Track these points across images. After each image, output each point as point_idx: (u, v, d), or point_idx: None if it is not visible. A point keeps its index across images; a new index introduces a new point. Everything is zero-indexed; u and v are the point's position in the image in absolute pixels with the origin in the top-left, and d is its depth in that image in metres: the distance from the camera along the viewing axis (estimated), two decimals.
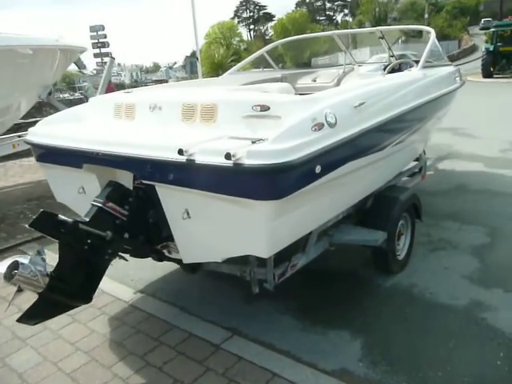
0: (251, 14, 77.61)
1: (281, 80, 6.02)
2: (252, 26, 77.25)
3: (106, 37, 24.38)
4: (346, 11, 64.91)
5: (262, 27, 73.28)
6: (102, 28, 24.40)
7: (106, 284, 3.97)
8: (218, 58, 16.09)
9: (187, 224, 2.66)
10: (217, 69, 16.89)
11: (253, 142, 2.33)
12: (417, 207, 4.07)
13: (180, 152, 2.30)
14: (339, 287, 3.75)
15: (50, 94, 8.18)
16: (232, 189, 2.27)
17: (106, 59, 26.71)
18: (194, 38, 10.91)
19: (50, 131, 3.30)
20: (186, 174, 2.38)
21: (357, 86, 3.11)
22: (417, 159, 5.51)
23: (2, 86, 6.76)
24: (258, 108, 2.61)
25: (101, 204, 2.76)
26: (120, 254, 3.00)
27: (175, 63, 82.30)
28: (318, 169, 2.40)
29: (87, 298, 2.82)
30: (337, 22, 62.53)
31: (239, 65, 5.59)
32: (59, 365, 2.99)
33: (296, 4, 66.45)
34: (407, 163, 4.57)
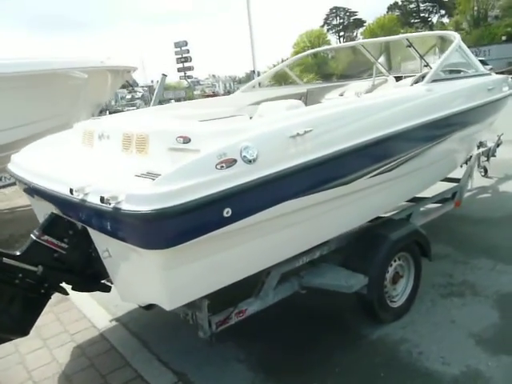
0: (341, 20, 76.32)
1: (306, 95, 5.65)
2: (342, 33, 75.95)
3: (188, 51, 25.60)
4: (443, 12, 60.93)
5: (351, 34, 71.62)
6: (185, 43, 25.66)
7: (89, 309, 4.03)
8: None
9: (110, 263, 2.50)
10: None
11: (153, 180, 2.10)
12: (421, 245, 3.46)
13: (71, 191, 2.14)
14: (318, 332, 3.30)
15: (101, 111, 8.68)
16: (119, 234, 2.06)
17: (189, 73, 28.00)
18: (252, 55, 10.88)
19: (21, 159, 3.34)
20: (84, 213, 2.22)
21: (307, 111, 2.70)
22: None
23: (58, 104, 7.31)
24: (181, 140, 2.36)
25: (35, 237, 2.71)
26: (61, 286, 2.91)
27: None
28: (227, 212, 2.07)
29: (22, 332, 2.77)
30: (432, 23, 58.69)
31: (253, 81, 5.34)
32: None
33: (388, 8, 63.71)
34: (415, 191, 3.90)
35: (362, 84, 5.44)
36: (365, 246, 3.20)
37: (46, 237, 2.72)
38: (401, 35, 4.75)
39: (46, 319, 3.92)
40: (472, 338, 3.07)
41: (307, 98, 5.58)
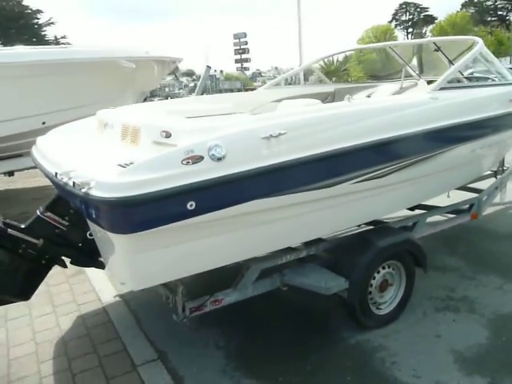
0: (411, 16, 73.39)
1: (333, 94, 5.63)
2: (410, 30, 73.04)
3: (246, 43, 25.96)
4: None
5: (420, 30, 68.59)
6: (244, 35, 26.02)
7: (99, 283, 4.34)
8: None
9: (98, 242, 2.73)
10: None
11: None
12: (415, 255, 3.40)
13: (55, 175, 2.37)
14: (301, 329, 3.37)
15: (145, 99, 9.10)
16: (92, 217, 2.25)
17: (249, 65, 28.39)
18: (299, 51, 10.88)
19: (42, 142, 3.62)
20: (68, 195, 2.44)
21: (287, 113, 2.73)
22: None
23: (107, 90, 7.79)
24: (164, 134, 2.52)
25: (39, 213, 3.00)
26: (62, 259, 3.18)
27: None
28: (190, 205, 2.21)
29: (24, 297, 3.09)
30: (509, 22, 54.73)
31: (277, 79, 5.39)
32: (10, 350, 3.33)
33: (462, 5, 60.16)
34: (415, 200, 3.77)
35: (390, 86, 5.33)
36: (351, 250, 3.21)
37: (48, 213, 3.01)
38: (428, 39, 4.59)
39: (61, 289, 4.30)
40: (452, 354, 3.00)
41: (334, 98, 5.56)
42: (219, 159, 2.27)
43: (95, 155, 2.84)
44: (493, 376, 2.77)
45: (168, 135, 2.48)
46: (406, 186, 3.25)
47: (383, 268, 3.29)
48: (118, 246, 2.29)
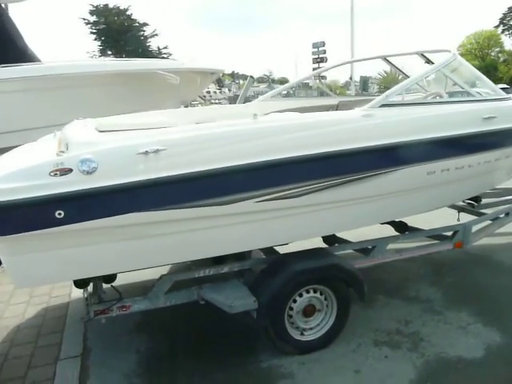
0: None
1: (336, 107, 5.45)
2: None
3: (325, 52, 25.93)
4: None
5: None
6: (323, 44, 26.06)
7: None
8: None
9: None
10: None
11: None
12: (347, 282, 3.19)
13: None
14: (227, 344, 3.33)
15: (186, 107, 9.53)
16: None
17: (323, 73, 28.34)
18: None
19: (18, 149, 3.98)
20: None
21: (172, 131, 2.71)
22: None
23: (143, 101, 8.33)
24: (66, 146, 2.70)
25: None
26: None
27: None
28: (59, 214, 2.35)
29: None
30: None
31: (273, 92, 5.34)
32: None
33: None
34: (342, 226, 3.35)
35: None
36: (269, 270, 3.12)
37: None
38: (416, 51, 4.24)
39: None
40: None
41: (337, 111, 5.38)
42: (89, 172, 2.39)
43: (23, 162, 3.10)
44: None
45: (66, 147, 2.65)
46: (333, 208, 3.06)
47: (307, 292, 3.13)
48: None
